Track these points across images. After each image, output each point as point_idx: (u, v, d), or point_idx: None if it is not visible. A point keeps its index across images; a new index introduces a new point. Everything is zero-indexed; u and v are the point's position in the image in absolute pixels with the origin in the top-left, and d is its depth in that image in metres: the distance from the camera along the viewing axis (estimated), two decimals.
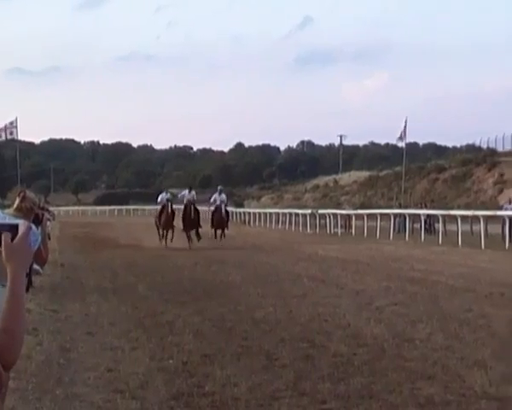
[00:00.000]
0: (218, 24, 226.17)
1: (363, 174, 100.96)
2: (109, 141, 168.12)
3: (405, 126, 50.74)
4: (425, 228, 35.87)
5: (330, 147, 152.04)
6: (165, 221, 31.20)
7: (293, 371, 8.42)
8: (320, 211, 48.57)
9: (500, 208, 36.75)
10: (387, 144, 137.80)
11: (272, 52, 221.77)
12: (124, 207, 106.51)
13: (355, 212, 45.30)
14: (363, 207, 59.90)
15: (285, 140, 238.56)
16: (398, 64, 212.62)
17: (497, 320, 11.45)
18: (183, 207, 32.39)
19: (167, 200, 32.16)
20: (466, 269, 19.91)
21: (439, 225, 34.66)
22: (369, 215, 41.34)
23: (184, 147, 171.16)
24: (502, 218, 31.46)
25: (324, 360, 9.03)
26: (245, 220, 61.93)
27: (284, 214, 52.92)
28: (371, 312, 12.74)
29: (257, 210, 62.65)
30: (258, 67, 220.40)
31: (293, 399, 7.44)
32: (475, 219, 32.99)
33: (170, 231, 31.29)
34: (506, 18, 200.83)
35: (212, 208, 34.93)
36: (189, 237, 30.79)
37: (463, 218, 33.07)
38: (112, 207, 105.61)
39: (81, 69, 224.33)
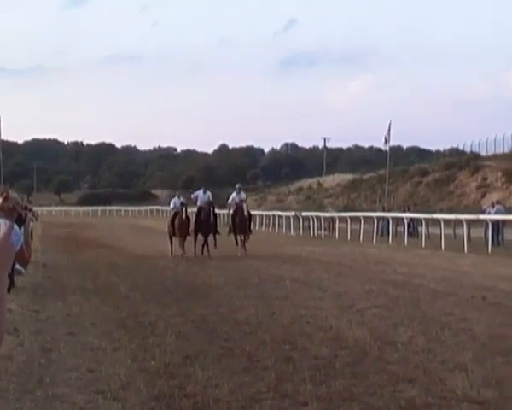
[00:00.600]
0: (203, 25, 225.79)
1: (347, 177, 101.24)
2: (93, 141, 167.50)
3: (389, 130, 50.91)
4: (408, 231, 35.98)
5: (314, 149, 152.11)
6: (179, 229, 27.17)
7: (275, 373, 8.42)
8: (303, 213, 48.61)
9: (483, 212, 36.89)
10: (371, 147, 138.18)
11: (257, 54, 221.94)
12: (107, 207, 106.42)
13: (338, 214, 45.38)
14: (346, 209, 60.03)
15: (269, 142, 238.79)
16: (382, 67, 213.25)
17: (479, 324, 11.49)
18: (196, 210, 28.31)
19: (181, 204, 27.99)
20: (448, 273, 19.99)
21: (422, 229, 34.75)
22: (352, 218, 41.42)
23: (168, 148, 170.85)
24: (484, 222, 31.61)
25: (306, 362, 9.03)
26: (229, 222, 61.76)
27: (268, 216, 52.94)
28: (353, 314, 12.76)
29: None
30: (242, 69, 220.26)
31: (274, 401, 7.44)
32: (458, 222, 33.13)
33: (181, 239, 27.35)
34: (491, 23, 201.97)
35: (231, 211, 29.12)
36: (205, 244, 26.77)
37: (446, 221, 33.17)
38: (95, 207, 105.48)
39: (65, 69, 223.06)
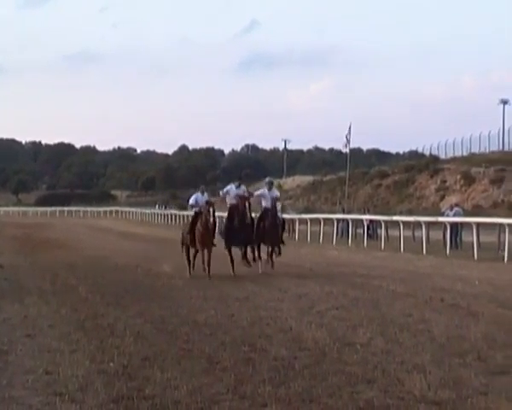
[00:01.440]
0: (164, 25, 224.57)
1: (307, 179, 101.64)
2: (51, 141, 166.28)
3: (349, 132, 51.18)
4: (367, 233, 36.17)
5: (274, 151, 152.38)
6: (202, 236, 20.19)
7: (234, 375, 8.41)
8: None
9: (441, 215, 37.21)
10: (332, 149, 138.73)
11: (218, 54, 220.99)
12: (65, 208, 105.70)
13: (298, 216, 45.45)
14: (306, 211, 60.17)
15: (229, 143, 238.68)
16: (343, 69, 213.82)
17: (437, 325, 11.57)
18: (227, 211, 21.53)
19: (207, 203, 20.68)
20: (407, 274, 20.12)
21: (382, 231, 34.96)
22: (312, 220, 41.52)
23: (128, 149, 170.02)
24: (443, 224, 31.87)
25: (265, 363, 9.03)
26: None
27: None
28: (313, 316, 12.78)
29: None
30: (203, 70, 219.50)
31: (233, 402, 7.43)
32: (417, 224, 33.36)
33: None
34: (451, 26, 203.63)
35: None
36: (245, 258, 20.79)
37: (405, 223, 33.40)
38: (53, 208, 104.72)
39: (24, 68, 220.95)
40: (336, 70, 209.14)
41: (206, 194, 21.74)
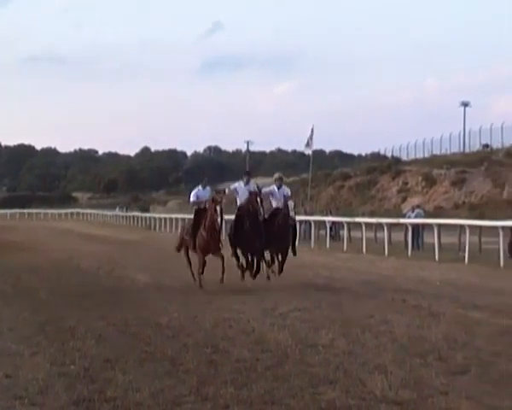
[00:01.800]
0: (127, 26, 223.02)
1: (270, 181, 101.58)
2: (11, 143, 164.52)
3: (312, 134, 51.33)
4: (330, 235, 36.28)
5: (237, 153, 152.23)
6: (207, 239, 17.94)
7: (197, 377, 8.39)
8: (227, 217, 48.55)
9: (403, 216, 37.46)
10: (294, 151, 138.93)
11: (181, 56, 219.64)
12: (26, 210, 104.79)
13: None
14: None
15: (192, 145, 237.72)
16: (306, 72, 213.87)
17: (398, 326, 11.64)
18: (235, 212, 18.77)
19: (213, 200, 17.92)
20: (369, 276, 20.22)
21: (344, 232, 35.08)
22: None
23: (89, 150, 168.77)
24: (405, 225, 32.08)
25: (227, 365, 9.03)
26: (150, 225, 61.68)
27: (191, 220, 52.73)
28: (275, 317, 12.80)
29: (163, 215, 62.38)
30: (166, 71, 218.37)
31: (195, 404, 7.42)
32: (379, 226, 33.55)
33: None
34: (411, 29, 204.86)
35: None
36: (256, 266, 18.31)
37: (368, 225, 33.58)
38: (13, 210, 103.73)
39: None
40: (299, 72, 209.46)
41: (208, 188, 18.96)
